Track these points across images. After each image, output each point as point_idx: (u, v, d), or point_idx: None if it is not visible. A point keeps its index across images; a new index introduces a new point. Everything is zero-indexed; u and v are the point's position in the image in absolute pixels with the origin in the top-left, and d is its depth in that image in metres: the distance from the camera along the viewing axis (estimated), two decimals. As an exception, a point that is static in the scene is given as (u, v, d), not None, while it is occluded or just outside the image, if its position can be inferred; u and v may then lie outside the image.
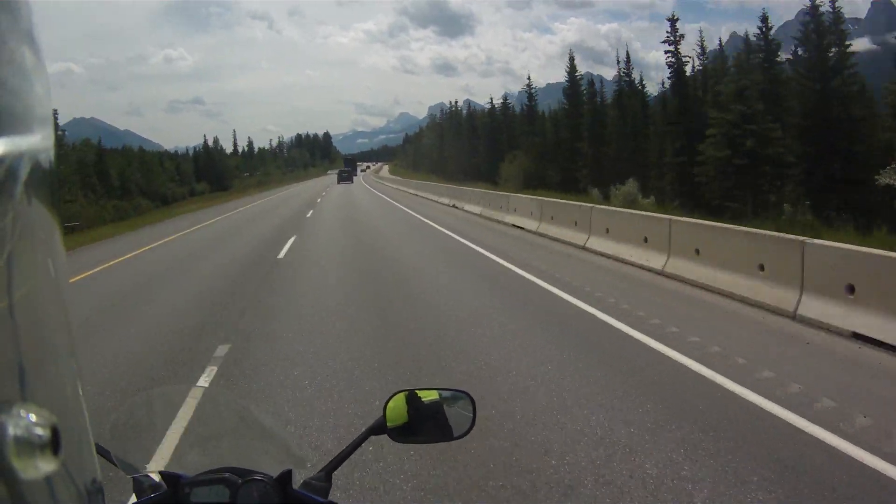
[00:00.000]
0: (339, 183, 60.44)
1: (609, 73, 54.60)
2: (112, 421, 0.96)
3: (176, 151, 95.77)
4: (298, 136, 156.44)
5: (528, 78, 57.43)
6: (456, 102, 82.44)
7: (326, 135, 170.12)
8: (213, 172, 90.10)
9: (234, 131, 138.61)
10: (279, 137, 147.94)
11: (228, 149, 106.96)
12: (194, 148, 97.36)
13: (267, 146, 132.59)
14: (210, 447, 1.01)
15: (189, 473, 0.89)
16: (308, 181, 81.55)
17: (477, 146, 62.34)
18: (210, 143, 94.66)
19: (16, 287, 0.32)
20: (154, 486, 0.89)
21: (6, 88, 0.32)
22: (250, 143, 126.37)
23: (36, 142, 0.35)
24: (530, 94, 56.17)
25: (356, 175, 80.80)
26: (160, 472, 0.89)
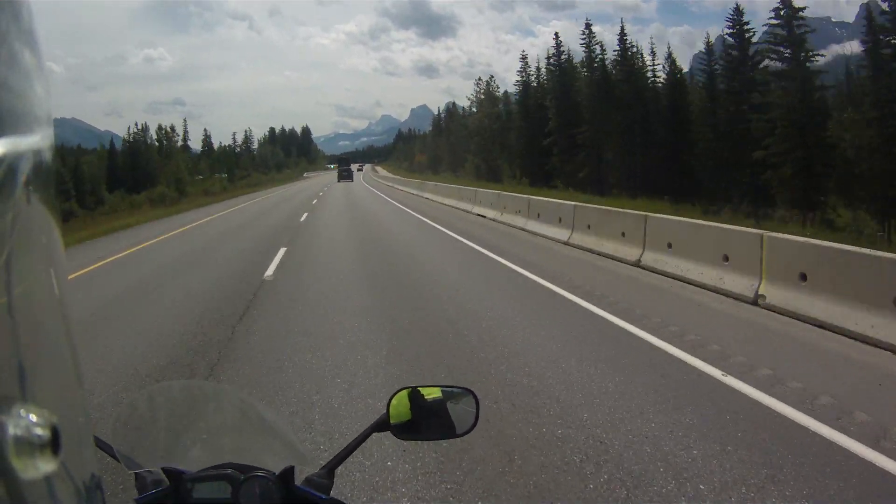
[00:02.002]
0: (339, 181, 58.65)
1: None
2: (115, 417, 0.97)
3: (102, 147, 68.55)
4: (272, 131, 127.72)
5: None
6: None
7: (306, 130, 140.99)
8: (140, 175, 62.57)
9: (185, 121, 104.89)
10: (246, 132, 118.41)
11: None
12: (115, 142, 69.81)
13: (230, 142, 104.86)
14: (212, 443, 0.99)
15: (191, 469, 0.88)
16: (269, 192, 44.54)
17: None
18: (140, 132, 67.09)
19: (15, 286, 0.32)
20: (156, 481, 0.88)
21: (6, 88, 0.32)
22: (207, 138, 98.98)
23: (36, 142, 0.35)
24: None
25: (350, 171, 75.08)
26: (162, 468, 0.88)
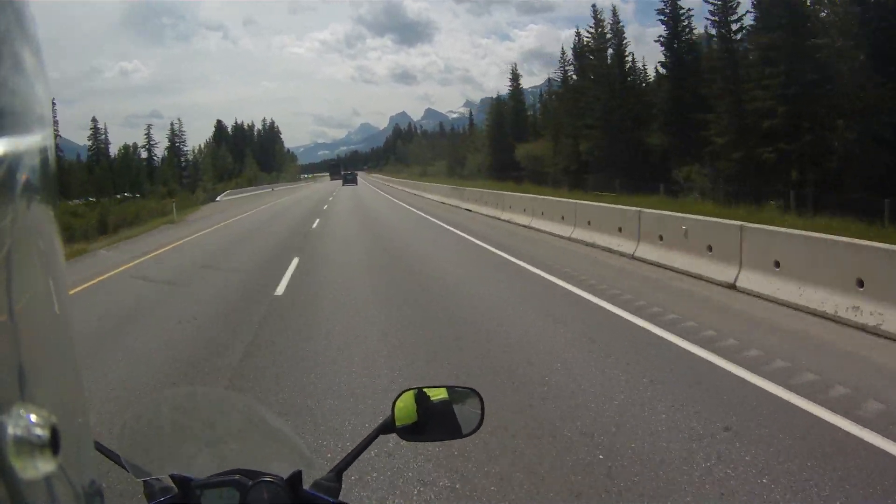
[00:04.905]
0: (344, 185, 59.24)
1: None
2: (122, 424, 0.97)
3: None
4: (218, 126, 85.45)
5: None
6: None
7: (272, 127, 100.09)
8: None
9: (96, 117, 60.87)
10: (172, 126, 71.57)
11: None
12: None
13: (142, 142, 65.11)
14: (220, 449, 0.98)
15: (199, 476, 0.88)
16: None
17: None
18: None
19: (15, 287, 0.32)
20: (165, 488, 0.89)
21: (6, 88, 0.32)
22: (95, 133, 59.36)
23: (36, 142, 0.35)
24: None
25: (340, 178, 73.26)
26: (170, 475, 0.88)
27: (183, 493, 0.86)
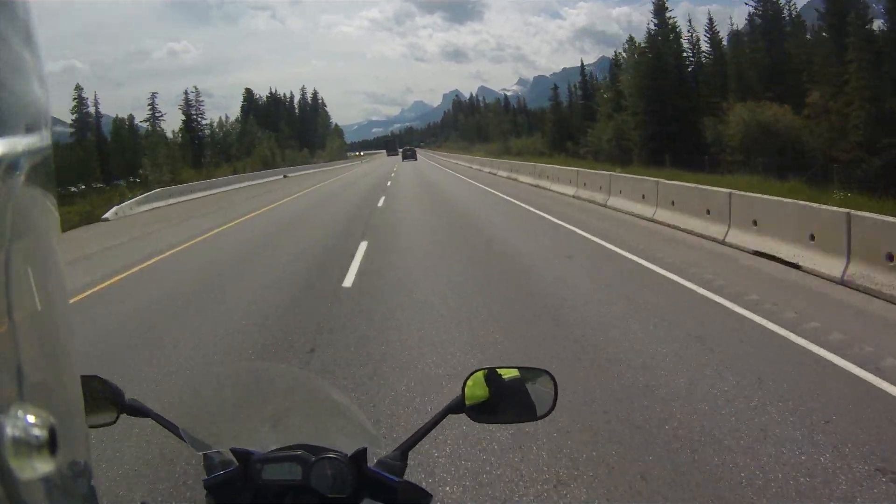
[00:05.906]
0: (403, 160, 58.37)
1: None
2: (180, 397, 0.97)
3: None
4: (248, 95, 70.98)
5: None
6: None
7: (315, 98, 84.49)
8: None
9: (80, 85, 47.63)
10: (187, 94, 54.92)
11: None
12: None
13: (146, 115, 51.89)
14: (283, 424, 0.95)
15: (261, 451, 0.87)
16: None
17: None
18: None
19: (14, 287, 0.32)
20: (224, 462, 0.87)
21: (6, 88, 0.32)
22: (80, 107, 46.63)
23: (35, 142, 0.35)
24: None
25: (396, 154, 75.11)
26: (231, 449, 0.86)
27: (243, 466, 0.83)
